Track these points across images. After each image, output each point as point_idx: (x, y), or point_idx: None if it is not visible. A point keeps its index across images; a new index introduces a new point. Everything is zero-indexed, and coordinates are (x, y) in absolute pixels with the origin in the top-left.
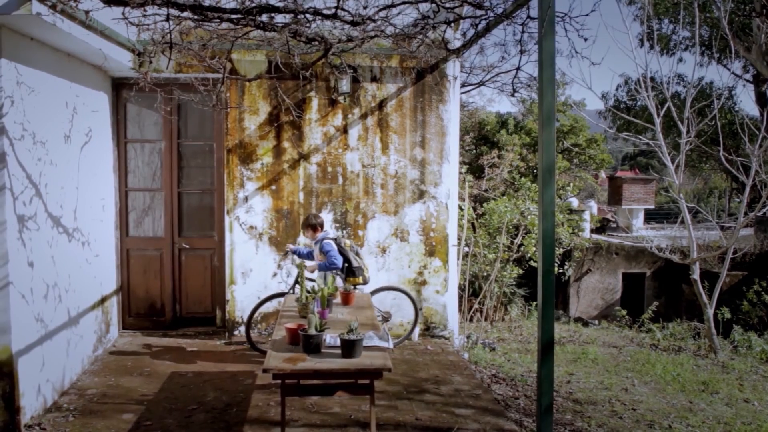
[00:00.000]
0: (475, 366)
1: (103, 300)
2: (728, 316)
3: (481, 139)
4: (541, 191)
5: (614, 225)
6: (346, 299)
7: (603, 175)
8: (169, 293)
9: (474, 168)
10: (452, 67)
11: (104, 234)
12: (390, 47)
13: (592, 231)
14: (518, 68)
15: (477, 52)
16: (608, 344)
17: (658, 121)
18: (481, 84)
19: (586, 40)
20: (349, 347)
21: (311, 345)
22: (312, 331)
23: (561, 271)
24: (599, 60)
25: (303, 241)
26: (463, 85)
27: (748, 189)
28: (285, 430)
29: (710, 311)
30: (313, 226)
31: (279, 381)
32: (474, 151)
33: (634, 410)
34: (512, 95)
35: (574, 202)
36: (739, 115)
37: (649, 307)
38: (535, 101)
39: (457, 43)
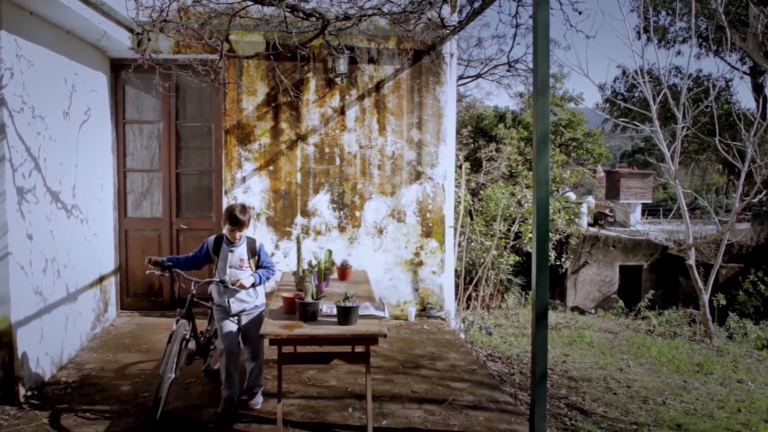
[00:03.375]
0: (472, 345)
1: (101, 279)
2: (723, 302)
3: (478, 132)
4: (536, 160)
5: (612, 219)
6: (343, 274)
7: (601, 172)
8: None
9: (472, 162)
10: (449, 46)
11: (103, 213)
12: (387, 28)
13: (589, 225)
14: (511, 49)
15: (475, 45)
16: (604, 330)
17: (654, 107)
18: (478, 76)
19: (580, 13)
20: (345, 314)
21: (308, 313)
22: (309, 299)
23: (558, 263)
24: (596, 49)
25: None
26: (460, 78)
27: (743, 174)
28: (281, 399)
29: (705, 297)
30: (243, 222)
31: (276, 357)
32: (472, 145)
33: (628, 387)
34: (508, 71)
35: (572, 197)
36: (736, 107)
37: (645, 296)
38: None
39: (454, 24)
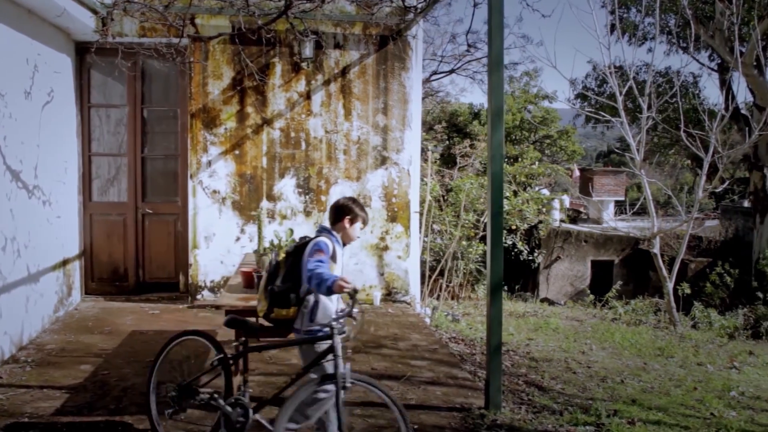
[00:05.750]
0: (436, 329)
1: (65, 262)
2: (688, 291)
3: (453, 128)
4: (490, 135)
5: (585, 216)
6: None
7: (577, 172)
8: (133, 258)
9: (446, 158)
10: (415, 30)
11: (66, 197)
12: (353, 14)
13: (562, 221)
14: (469, 29)
15: (449, 41)
16: (571, 318)
17: (620, 99)
18: (452, 71)
19: None
20: None
21: None
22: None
23: (531, 258)
24: (567, 45)
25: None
26: (434, 73)
27: (706, 164)
28: (239, 373)
29: (670, 285)
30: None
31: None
32: (447, 142)
33: (588, 368)
34: (467, 51)
35: (546, 193)
36: (705, 103)
37: (613, 287)
38: (507, 92)
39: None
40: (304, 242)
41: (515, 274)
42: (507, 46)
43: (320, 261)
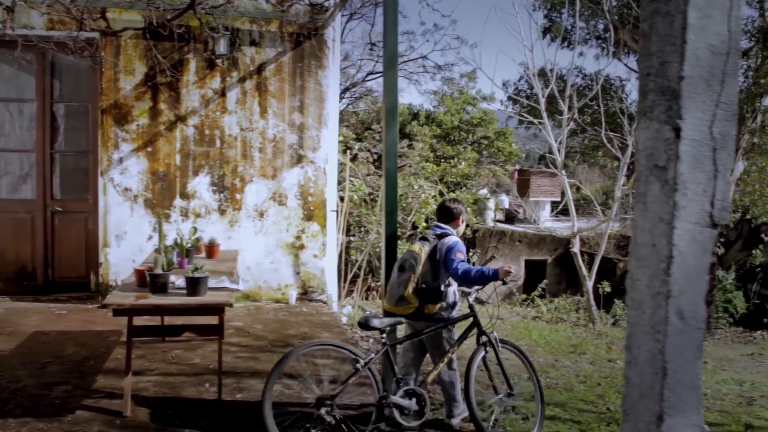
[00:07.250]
0: (351, 327)
1: None
2: (608, 289)
3: None
4: (385, 132)
5: (522, 217)
6: (211, 252)
7: (517, 174)
8: (41, 257)
9: None
10: (332, 33)
11: None
12: (267, 11)
13: (498, 221)
14: (372, 27)
15: (380, 41)
16: (493, 317)
17: (542, 101)
18: None
19: None
20: (193, 285)
21: (157, 284)
22: (158, 271)
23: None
24: (499, 48)
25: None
26: (371, 73)
27: (623, 166)
28: (130, 374)
29: (589, 284)
30: None
31: (140, 334)
32: None
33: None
34: (371, 50)
35: (484, 192)
36: (630, 107)
37: (539, 285)
38: (446, 93)
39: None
40: (437, 243)
41: None
42: (442, 47)
43: (463, 261)
